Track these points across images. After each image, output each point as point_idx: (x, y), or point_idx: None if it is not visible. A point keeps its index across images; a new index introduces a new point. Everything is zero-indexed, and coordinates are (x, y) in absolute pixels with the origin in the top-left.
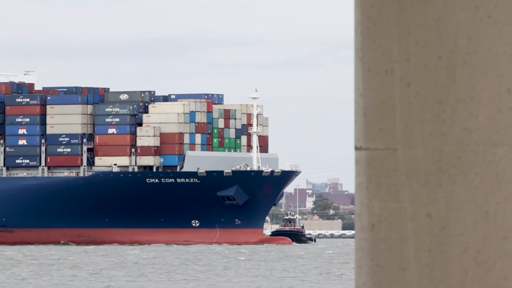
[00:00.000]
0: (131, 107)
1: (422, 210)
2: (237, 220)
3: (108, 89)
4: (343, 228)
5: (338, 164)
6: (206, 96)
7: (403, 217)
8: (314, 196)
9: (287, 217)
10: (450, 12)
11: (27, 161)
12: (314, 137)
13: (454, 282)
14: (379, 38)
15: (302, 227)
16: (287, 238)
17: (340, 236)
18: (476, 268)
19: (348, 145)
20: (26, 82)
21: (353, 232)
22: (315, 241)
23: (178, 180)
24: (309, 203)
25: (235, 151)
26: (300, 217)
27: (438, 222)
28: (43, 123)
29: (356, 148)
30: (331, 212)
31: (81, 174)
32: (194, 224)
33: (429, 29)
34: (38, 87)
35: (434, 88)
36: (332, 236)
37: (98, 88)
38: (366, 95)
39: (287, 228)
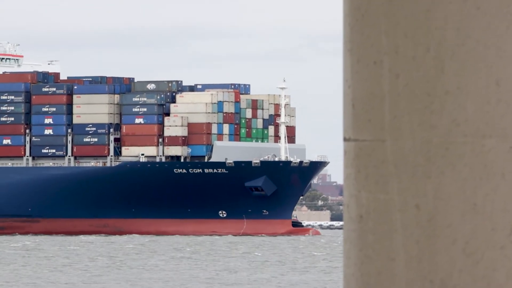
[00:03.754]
0: (158, 97)
1: (411, 202)
2: (264, 211)
3: (133, 78)
4: (332, 219)
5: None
6: (233, 86)
7: (391, 208)
8: None
9: None
10: (439, 4)
11: (53, 151)
12: (303, 128)
13: (442, 273)
14: (368, 30)
15: (296, 217)
16: (314, 228)
17: (328, 227)
18: (465, 260)
19: (336, 136)
20: (50, 71)
21: (341, 223)
22: None
23: (206, 170)
24: None
25: (262, 141)
26: None
27: (426, 213)
28: (70, 112)
29: (345, 139)
30: (320, 203)
31: (108, 164)
32: (221, 215)
33: (418, 21)
34: (62, 76)
35: (423, 80)
36: (320, 226)
37: (123, 78)
38: (355, 87)
39: None
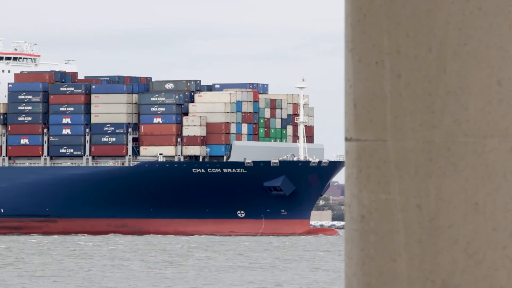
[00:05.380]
0: (177, 97)
1: (412, 202)
2: (283, 210)
3: (151, 78)
4: (333, 219)
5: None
6: (251, 86)
7: (393, 208)
8: None
9: None
10: (441, 3)
11: (71, 150)
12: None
13: (444, 274)
14: (370, 30)
15: None
16: (333, 229)
17: (330, 227)
18: (466, 260)
19: (338, 136)
20: (67, 71)
21: (343, 223)
22: None
23: (225, 170)
24: None
25: (281, 141)
26: None
27: (428, 213)
28: (88, 112)
29: (346, 139)
30: (321, 202)
31: (126, 164)
32: (239, 215)
33: (420, 21)
34: (80, 76)
35: (424, 80)
36: (322, 226)
37: (140, 77)
38: (357, 86)
39: None
